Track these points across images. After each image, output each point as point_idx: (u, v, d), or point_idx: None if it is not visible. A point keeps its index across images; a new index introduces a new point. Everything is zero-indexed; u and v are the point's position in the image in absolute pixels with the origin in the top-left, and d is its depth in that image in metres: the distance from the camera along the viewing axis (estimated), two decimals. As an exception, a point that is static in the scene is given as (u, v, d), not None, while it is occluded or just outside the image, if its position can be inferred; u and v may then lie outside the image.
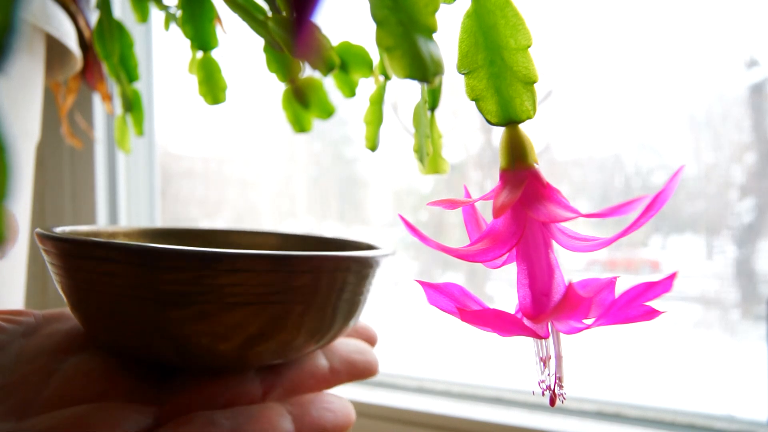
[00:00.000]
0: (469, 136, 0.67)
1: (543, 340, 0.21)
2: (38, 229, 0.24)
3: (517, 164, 0.21)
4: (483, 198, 0.22)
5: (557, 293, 0.20)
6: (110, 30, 0.38)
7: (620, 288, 0.18)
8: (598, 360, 0.61)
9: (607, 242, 0.20)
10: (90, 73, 0.54)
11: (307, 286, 0.22)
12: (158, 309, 0.20)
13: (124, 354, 0.24)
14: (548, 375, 0.21)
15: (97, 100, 0.65)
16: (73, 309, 0.23)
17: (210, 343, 0.21)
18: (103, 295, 0.21)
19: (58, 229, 0.26)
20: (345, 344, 0.29)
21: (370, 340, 0.31)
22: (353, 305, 0.25)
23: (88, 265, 0.21)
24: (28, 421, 0.20)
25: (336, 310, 0.24)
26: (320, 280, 0.22)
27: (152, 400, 0.23)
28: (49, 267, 0.24)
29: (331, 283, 0.23)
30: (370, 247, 0.31)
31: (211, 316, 0.21)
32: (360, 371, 0.28)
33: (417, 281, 0.22)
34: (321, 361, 0.27)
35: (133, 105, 0.41)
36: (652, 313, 0.18)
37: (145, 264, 0.20)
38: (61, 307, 0.28)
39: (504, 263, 0.22)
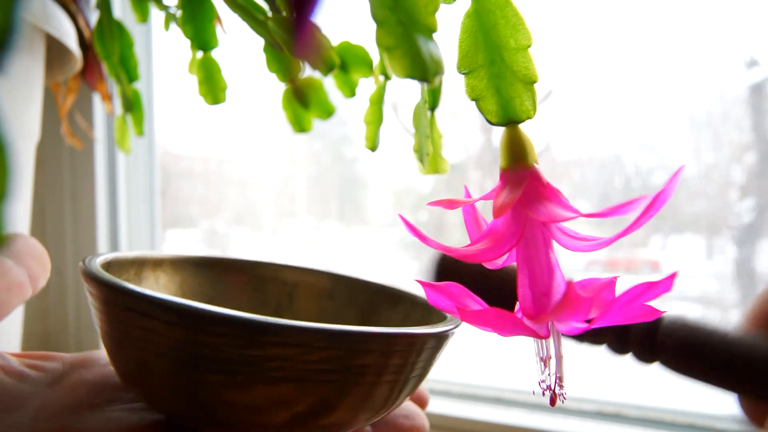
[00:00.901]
0: (469, 136, 0.67)
1: (543, 340, 0.21)
2: (82, 264, 0.22)
3: (517, 164, 0.21)
4: (483, 198, 0.22)
5: (557, 293, 0.20)
6: (110, 30, 0.38)
7: (620, 288, 0.18)
8: (598, 360, 0.61)
9: (607, 242, 0.20)
10: (90, 73, 0.54)
11: (372, 365, 0.19)
12: (195, 373, 0.19)
13: (156, 410, 0.23)
14: (548, 375, 0.21)
15: (97, 100, 0.65)
16: (110, 356, 0.22)
17: (249, 416, 0.19)
18: (138, 350, 0.20)
19: (101, 259, 0.24)
20: None
21: (421, 402, 0.28)
22: (420, 380, 0.23)
23: (127, 316, 0.19)
24: None
25: (402, 389, 0.21)
26: (389, 359, 0.20)
27: None
28: (91, 306, 0.22)
29: (402, 362, 0.20)
30: (426, 304, 0.28)
31: (252, 389, 0.19)
32: None
33: (417, 281, 0.22)
34: (366, 426, 0.25)
35: (133, 105, 0.41)
36: (652, 313, 0.18)
37: (187, 325, 0.18)
38: (59, 310, 0.27)
39: (504, 263, 0.22)
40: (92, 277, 0.20)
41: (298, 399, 0.19)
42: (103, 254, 0.25)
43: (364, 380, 0.20)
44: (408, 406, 0.27)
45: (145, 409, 0.23)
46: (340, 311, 0.33)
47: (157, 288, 0.30)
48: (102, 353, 0.26)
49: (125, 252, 0.28)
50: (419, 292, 0.30)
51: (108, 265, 0.25)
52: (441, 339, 0.22)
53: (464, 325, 0.20)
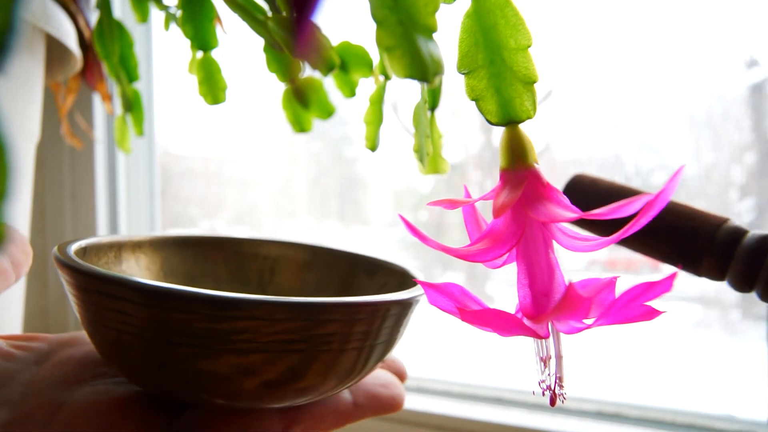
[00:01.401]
0: (469, 136, 0.67)
1: (543, 340, 0.21)
2: (55, 251, 0.23)
3: (517, 164, 0.21)
4: (483, 198, 0.22)
5: (557, 293, 0.20)
6: (110, 30, 0.38)
7: (620, 288, 0.18)
8: (598, 360, 0.61)
9: (607, 242, 0.20)
10: (90, 73, 0.54)
11: (337, 333, 0.20)
12: (169, 349, 0.19)
13: (136, 385, 0.23)
14: (548, 375, 0.21)
15: (97, 100, 0.65)
16: (89, 337, 0.23)
17: (223, 386, 0.20)
18: (113, 330, 0.20)
19: (76, 245, 0.24)
20: (370, 376, 0.27)
21: (399, 375, 0.29)
22: (388, 346, 0.23)
23: (100, 299, 0.20)
24: None
25: (369, 355, 0.22)
26: (353, 327, 0.20)
27: None
28: (66, 289, 0.23)
29: (367, 329, 0.21)
30: (404, 272, 0.29)
31: (224, 361, 0.19)
32: (384, 406, 0.26)
33: (417, 281, 0.22)
34: (344, 395, 0.26)
35: (133, 105, 0.41)
36: (652, 313, 0.18)
37: (156, 305, 0.19)
38: (59, 309, 0.27)
39: (504, 263, 0.22)
40: (63, 264, 0.21)
41: (267, 368, 0.20)
42: (79, 240, 0.25)
43: (330, 348, 0.20)
44: (386, 376, 0.28)
45: (128, 383, 0.24)
46: (321, 282, 0.34)
47: (138, 269, 0.30)
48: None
49: (102, 236, 0.28)
50: (396, 261, 0.31)
51: (84, 251, 0.25)
52: (405, 306, 0.22)
53: (464, 325, 0.20)
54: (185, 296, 0.19)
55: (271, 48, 0.31)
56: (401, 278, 0.30)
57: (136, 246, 0.30)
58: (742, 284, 0.24)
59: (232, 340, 0.19)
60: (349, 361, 0.21)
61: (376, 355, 0.23)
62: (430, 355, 0.67)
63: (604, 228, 0.26)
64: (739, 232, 0.25)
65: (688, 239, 0.25)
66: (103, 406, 0.22)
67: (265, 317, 0.19)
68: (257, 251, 0.35)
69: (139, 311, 0.19)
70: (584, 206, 0.26)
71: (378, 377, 0.27)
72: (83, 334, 0.26)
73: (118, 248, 0.29)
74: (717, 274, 0.25)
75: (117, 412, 0.22)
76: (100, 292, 0.20)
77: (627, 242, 0.27)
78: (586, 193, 0.28)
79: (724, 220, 0.25)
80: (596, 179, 0.28)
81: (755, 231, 0.25)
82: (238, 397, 0.21)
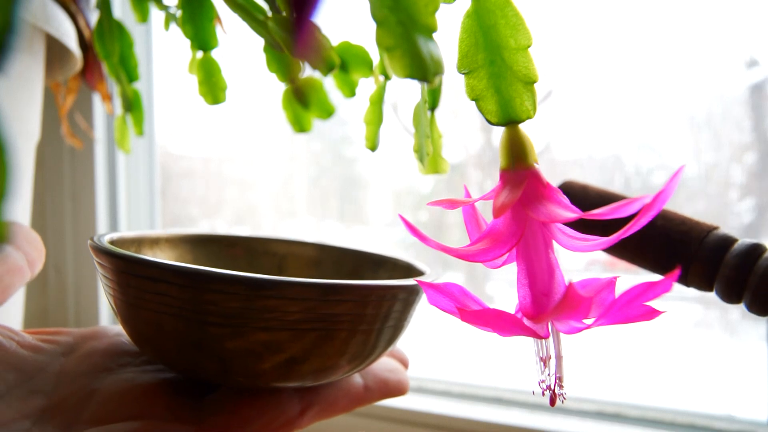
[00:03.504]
0: (469, 136, 0.67)
1: (543, 340, 0.21)
2: (92, 241, 0.24)
3: (517, 164, 0.21)
4: (483, 198, 0.22)
5: (557, 293, 0.20)
6: (110, 30, 0.38)
7: (620, 288, 0.18)
8: (598, 360, 0.61)
9: (607, 242, 0.20)
10: (90, 73, 0.54)
11: (352, 313, 0.22)
12: (203, 328, 0.21)
13: (171, 369, 0.25)
14: (548, 375, 0.21)
15: (97, 100, 0.65)
16: (123, 323, 0.24)
17: (251, 362, 0.22)
18: (151, 312, 0.22)
19: (107, 238, 0.26)
20: (378, 362, 0.29)
21: (402, 362, 0.31)
22: (397, 330, 0.25)
23: (140, 283, 0.21)
24: None
25: (379, 336, 0.24)
26: (366, 308, 0.22)
27: (191, 419, 0.23)
28: (101, 279, 0.24)
29: (377, 310, 0.23)
30: (408, 266, 0.32)
31: (254, 338, 0.21)
32: (392, 390, 0.28)
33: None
34: (356, 379, 0.28)
35: (133, 105, 0.41)
36: (652, 313, 0.18)
37: (194, 286, 0.20)
38: (59, 309, 0.28)
39: (504, 263, 0.22)
40: (105, 251, 0.22)
41: (291, 345, 0.21)
42: (107, 233, 0.27)
43: (348, 326, 0.22)
44: (392, 362, 0.30)
45: (156, 370, 0.25)
46: (327, 277, 0.36)
47: None
48: (108, 328, 0.28)
49: (125, 232, 0.30)
50: (400, 256, 0.33)
51: (112, 243, 0.27)
52: (411, 291, 0.24)
53: (464, 324, 0.20)
54: (224, 278, 0.20)
55: (271, 48, 0.31)
56: (406, 272, 0.31)
57: (154, 242, 0.32)
58: (729, 292, 0.24)
59: (264, 318, 0.21)
60: (361, 341, 0.23)
61: (384, 339, 0.24)
62: (430, 355, 0.67)
63: (602, 230, 0.26)
64: (728, 240, 0.24)
65: (677, 244, 0.25)
66: (132, 391, 0.23)
67: (296, 297, 0.20)
68: (267, 248, 0.36)
69: (179, 293, 0.21)
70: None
71: (385, 363, 0.29)
72: (106, 328, 0.28)
73: (138, 243, 0.31)
74: (705, 282, 0.25)
75: (147, 397, 0.23)
76: (141, 276, 0.21)
77: (616, 249, 0.27)
78: (579, 198, 0.28)
79: (714, 228, 0.25)
80: (586, 185, 0.28)
81: (745, 239, 0.24)
82: (264, 376, 0.22)
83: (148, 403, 0.23)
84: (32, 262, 0.25)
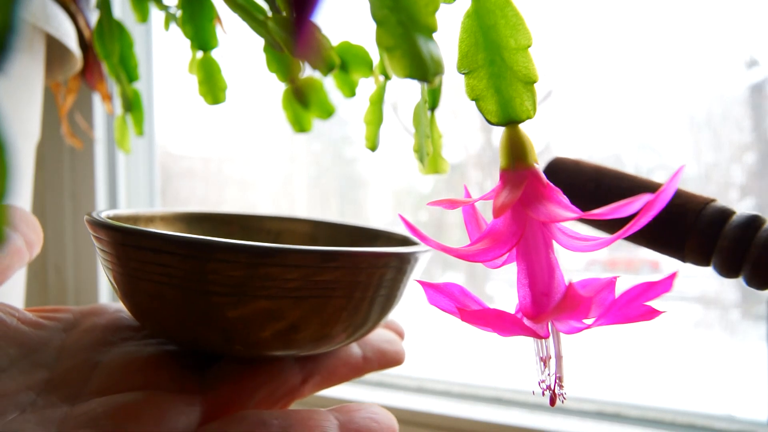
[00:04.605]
0: (469, 136, 0.67)
1: (543, 340, 0.21)
2: (89, 216, 0.24)
3: (518, 164, 0.21)
4: (483, 198, 0.22)
5: (557, 293, 0.20)
6: (110, 30, 0.38)
7: (620, 288, 0.18)
8: (598, 360, 0.61)
9: (607, 242, 0.20)
10: (90, 73, 0.54)
11: (346, 280, 0.22)
12: (205, 298, 0.21)
13: (173, 342, 0.25)
14: (548, 375, 0.21)
15: (97, 100, 0.65)
16: (123, 298, 0.24)
17: (253, 331, 0.22)
18: (153, 284, 0.22)
19: (104, 214, 0.26)
20: (375, 334, 0.30)
21: (398, 334, 0.32)
22: (390, 299, 0.25)
23: (141, 255, 0.21)
24: (80, 406, 0.21)
25: (373, 304, 0.24)
26: (359, 275, 0.22)
27: (195, 389, 0.23)
28: (99, 254, 0.24)
29: (370, 278, 0.23)
30: (404, 239, 0.32)
31: (256, 306, 0.21)
32: (389, 360, 0.29)
33: (417, 281, 0.22)
34: (355, 350, 0.28)
35: (133, 105, 0.41)
36: (652, 313, 0.18)
37: (197, 256, 0.20)
38: (60, 303, 0.28)
39: (504, 263, 0.22)
40: (104, 225, 0.22)
41: (292, 312, 0.22)
42: (103, 210, 0.27)
43: (344, 294, 0.22)
44: (389, 334, 0.31)
45: (158, 343, 0.25)
46: None
47: None
48: (109, 304, 0.28)
49: (121, 210, 0.30)
50: (395, 229, 0.33)
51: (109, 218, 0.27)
52: (404, 260, 0.24)
53: (464, 324, 0.20)
54: (228, 247, 0.20)
55: (271, 48, 0.31)
56: (401, 245, 0.32)
57: (149, 220, 0.32)
58: (728, 265, 0.23)
59: (265, 286, 0.21)
60: (355, 308, 0.23)
61: (377, 307, 0.24)
62: (430, 355, 0.67)
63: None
64: (726, 212, 0.23)
65: (673, 218, 0.24)
66: (136, 362, 0.23)
67: (296, 264, 0.21)
68: (262, 226, 0.37)
69: (181, 263, 0.21)
70: (570, 187, 0.26)
71: (382, 335, 0.30)
72: (105, 304, 0.28)
73: (134, 220, 0.31)
74: (702, 256, 0.24)
75: (150, 368, 0.23)
76: (142, 248, 0.21)
77: (612, 227, 0.26)
78: (572, 173, 0.27)
79: (711, 200, 0.24)
80: (578, 160, 0.28)
81: (743, 211, 0.23)
82: (266, 344, 0.23)
83: (153, 374, 0.23)
84: (30, 244, 0.25)
